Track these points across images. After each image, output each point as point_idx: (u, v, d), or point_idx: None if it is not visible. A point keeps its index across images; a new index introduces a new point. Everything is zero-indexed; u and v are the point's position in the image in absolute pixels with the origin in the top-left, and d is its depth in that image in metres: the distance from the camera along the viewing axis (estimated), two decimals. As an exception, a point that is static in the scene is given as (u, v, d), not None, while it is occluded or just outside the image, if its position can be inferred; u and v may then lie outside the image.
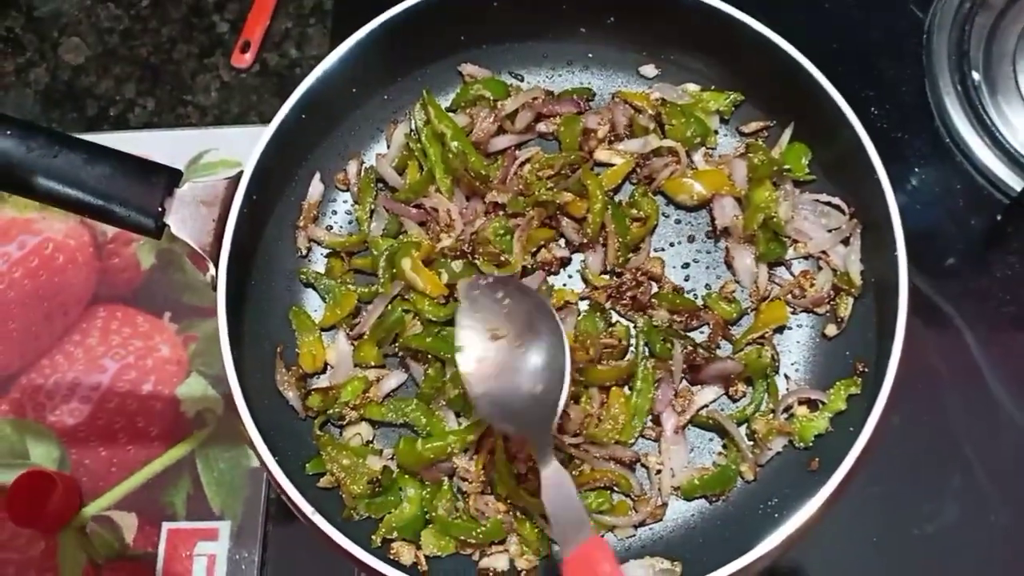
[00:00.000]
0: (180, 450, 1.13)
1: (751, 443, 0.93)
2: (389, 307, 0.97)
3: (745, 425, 0.94)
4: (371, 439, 0.95)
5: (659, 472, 0.92)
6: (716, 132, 1.03)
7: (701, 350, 0.93)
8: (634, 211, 1.00)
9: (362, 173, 1.04)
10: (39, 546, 1.10)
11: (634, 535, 0.91)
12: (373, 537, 0.88)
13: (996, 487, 1.04)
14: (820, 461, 0.89)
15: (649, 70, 1.06)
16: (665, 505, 0.92)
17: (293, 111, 0.95)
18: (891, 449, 1.04)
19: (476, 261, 0.97)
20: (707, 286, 0.99)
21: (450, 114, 1.04)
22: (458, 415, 0.93)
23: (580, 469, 0.92)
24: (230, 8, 1.37)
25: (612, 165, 1.02)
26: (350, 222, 1.05)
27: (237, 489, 1.11)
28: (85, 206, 0.86)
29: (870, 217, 0.92)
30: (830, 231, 0.97)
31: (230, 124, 1.30)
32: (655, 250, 1.00)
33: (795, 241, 0.98)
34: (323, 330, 0.99)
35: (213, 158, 1.26)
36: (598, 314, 0.96)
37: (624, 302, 0.97)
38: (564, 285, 0.99)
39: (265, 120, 1.28)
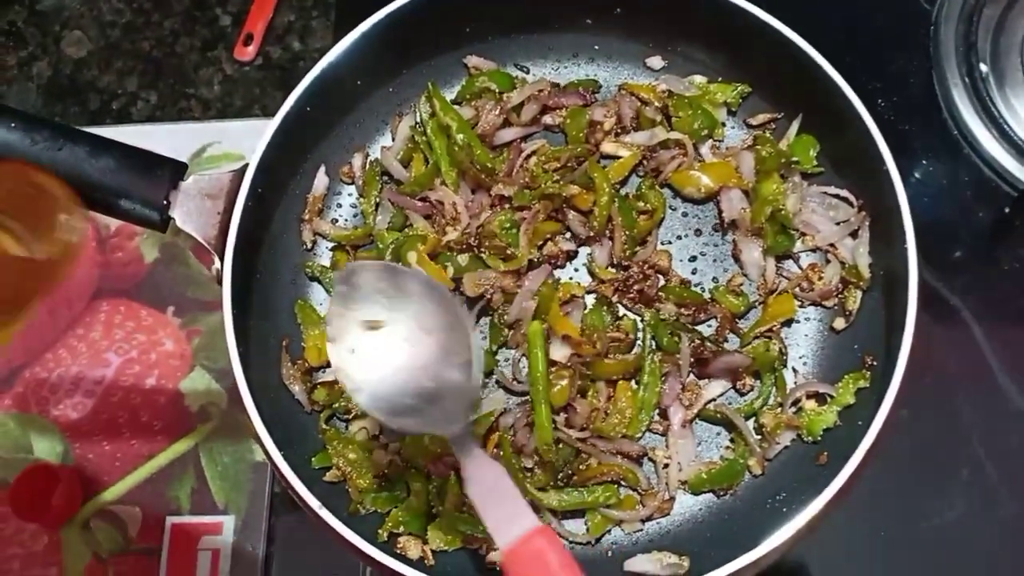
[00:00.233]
0: (184, 444, 1.13)
1: (759, 437, 0.92)
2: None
3: (753, 419, 0.93)
4: (377, 433, 0.95)
5: (666, 466, 0.92)
6: (723, 124, 1.03)
7: (708, 344, 0.93)
8: (641, 204, 0.99)
9: (367, 166, 1.04)
10: (43, 541, 1.09)
11: (641, 529, 0.91)
12: (379, 531, 0.88)
13: (1004, 480, 1.04)
14: (828, 455, 0.88)
15: (656, 62, 1.05)
16: (672, 499, 0.91)
17: (298, 104, 0.95)
18: (898, 442, 1.04)
19: (482, 255, 0.96)
20: (714, 279, 0.99)
21: (455, 107, 1.03)
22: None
23: (587, 463, 0.91)
24: (233, 1, 1.37)
25: (619, 158, 1.01)
26: (355, 215, 1.04)
27: (241, 483, 1.10)
28: (90, 199, 0.85)
29: (879, 210, 0.92)
30: (838, 224, 0.96)
31: (233, 118, 1.30)
32: (662, 243, 1.00)
33: (803, 234, 0.98)
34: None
35: (216, 152, 1.25)
36: (605, 308, 0.96)
37: (631, 295, 0.96)
38: (570, 278, 0.99)
39: (268, 113, 1.28)
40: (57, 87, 1.34)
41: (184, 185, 0.88)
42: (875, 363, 0.90)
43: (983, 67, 1.19)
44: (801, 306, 0.96)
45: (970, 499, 1.04)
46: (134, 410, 1.14)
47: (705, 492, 0.92)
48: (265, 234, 0.96)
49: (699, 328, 0.96)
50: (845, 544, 1.02)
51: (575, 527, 0.91)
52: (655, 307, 0.96)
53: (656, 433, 0.94)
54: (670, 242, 1.00)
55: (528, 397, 0.92)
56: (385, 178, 1.04)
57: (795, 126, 0.99)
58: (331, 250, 1.02)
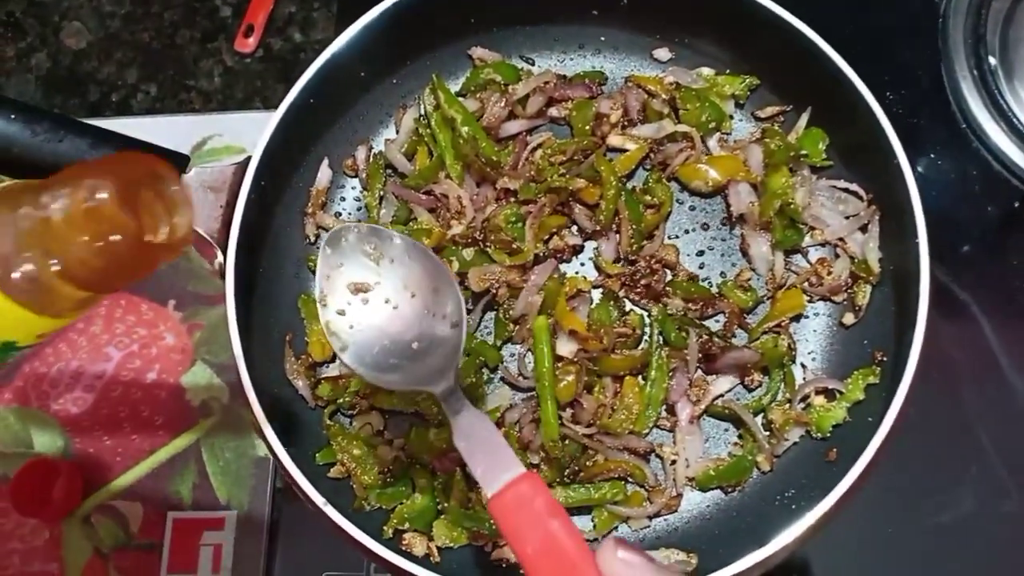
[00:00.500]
0: (185, 439, 1.12)
1: (767, 433, 0.91)
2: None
3: (761, 415, 0.92)
4: (382, 428, 0.94)
5: (674, 463, 0.91)
6: (731, 117, 1.02)
7: (716, 339, 0.92)
8: (648, 197, 0.98)
9: (371, 159, 1.03)
10: (43, 535, 1.09)
11: (649, 526, 0.90)
12: (385, 528, 0.87)
13: (1013, 476, 1.03)
14: (837, 451, 0.88)
15: (663, 53, 1.04)
16: (680, 496, 0.91)
17: (301, 95, 0.94)
18: (906, 438, 1.02)
19: (487, 249, 0.95)
20: (722, 274, 0.98)
21: (460, 99, 1.02)
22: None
23: (594, 460, 0.91)
24: (233, -8, 1.36)
25: (625, 151, 1.00)
26: (359, 209, 1.03)
27: (243, 478, 1.10)
28: (91, 192, 0.84)
29: (889, 203, 0.91)
30: (848, 218, 0.95)
31: (234, 110, 1.29)
32: (669, 237, 0.99)
33: (812, 228, 0.97)
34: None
35: (217, 144, 1.25)
36: (611, 303, 0.95)
37: (638, 290, 0.95)
38: (577, 273, 0.98)
39: (269, 106, 1.28)
40: (56, 79, 1.33)
41: (186, 177, 0.88)
42: (885, 358, 0.89)
43: (992, 60, 1.18)
44: (810, 301, 0.96)
45: (978, 495, 1.03)
46: (135, 404, 1.14)
47: (713, 489, 0.91)
48: (268, 228, 0.96)
49: (707, 323, 0.95)
50: (852, 541, 1.01)
51: (582, 524, 0.90)
52: (662, 302, 0.95)
53: (663, 429, 0.93)
54: (677, 236, 0.99)
55: (534, 393, 0.91)
56: (389, 171, 1.03)
57: (804, 119, 0.98)
58: (334, 244, 1.01)
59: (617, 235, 0.97)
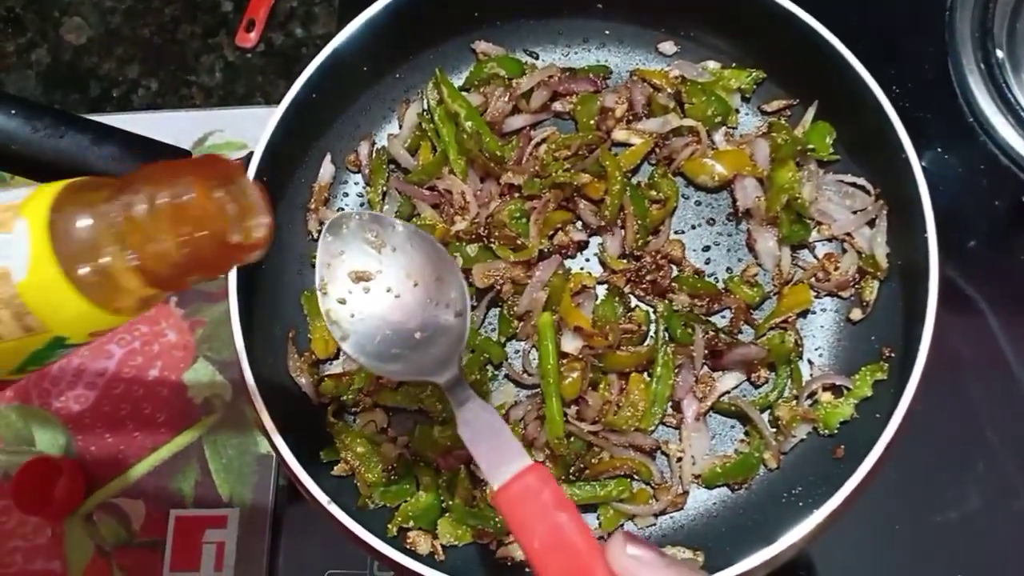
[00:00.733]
0: (187, 437, 1.12)
1: (774, 430, 0.91)
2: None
3: (768, 412, 0.92)
4: (386, 426, 0.93)
5: (680, 460, 0.91)
6: (737, 111, 1.01)
7: (723, 335, 0.91)
8: (653, 193, 0.97)
9: (374, 154, 1.02)
10: (45, 534, 1.09)
11: (654, 524, 0.90)
12: (389, 526, 0.87)
13: (1021, 473, 1.03)
14: (845, 448, 0.87)
15: (668, 47, 1.04)
16: (686, 493, 0.90)
17: (303, 91, 0.93)
18: (913, 434, 1.02)
19: (491, 245, 0.95)
20: (728, 269, 0.97)
21: (464, 93, 1.01)
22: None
23: (599, 457, 0.90)
24: (234, -14, 1.35)
25: (630, 145, 1.00)
26: (362, 204, 1.02)
27: (246, 476, 1.09)
28: (92, 188, 0.84)
29: (897, 198, 0.90)
30: (855, 212, 0.94)
31: (235, 105, 1.28)
32: (675, 233, 0.98)
33: (819, 223, 0.96)
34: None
35: (218, 140, 1.24)
36: (617, 299, 0.94)
37: (643, 286, 0.95)
38: (582, 269, 0.97)
39: (271, 101, 1.27)
40: (57, 74, 1.32)
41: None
42: (893, 355, 0.89)
43: (999, 53, 1.17)
44: (817, 296, 0.95)
45: (985, 492, 1.03)
46: (137, 402, 1.13)
47: (719, 486, 0.90)
48: (270, 224, 0.95)
49: (713, 319, 0.94)
50: (859, 537, 1.01)
51: (587, 521, 0.89)
52: (668, 298, 0.94)
53: (669, 426, 0.92)
54: (683, 231, 0.98)
55: (539, 390, 0.91)
56: (392, 166, 1.02)
57: (811, 113, 0.97)
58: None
59: (622, 230, 0.96)
